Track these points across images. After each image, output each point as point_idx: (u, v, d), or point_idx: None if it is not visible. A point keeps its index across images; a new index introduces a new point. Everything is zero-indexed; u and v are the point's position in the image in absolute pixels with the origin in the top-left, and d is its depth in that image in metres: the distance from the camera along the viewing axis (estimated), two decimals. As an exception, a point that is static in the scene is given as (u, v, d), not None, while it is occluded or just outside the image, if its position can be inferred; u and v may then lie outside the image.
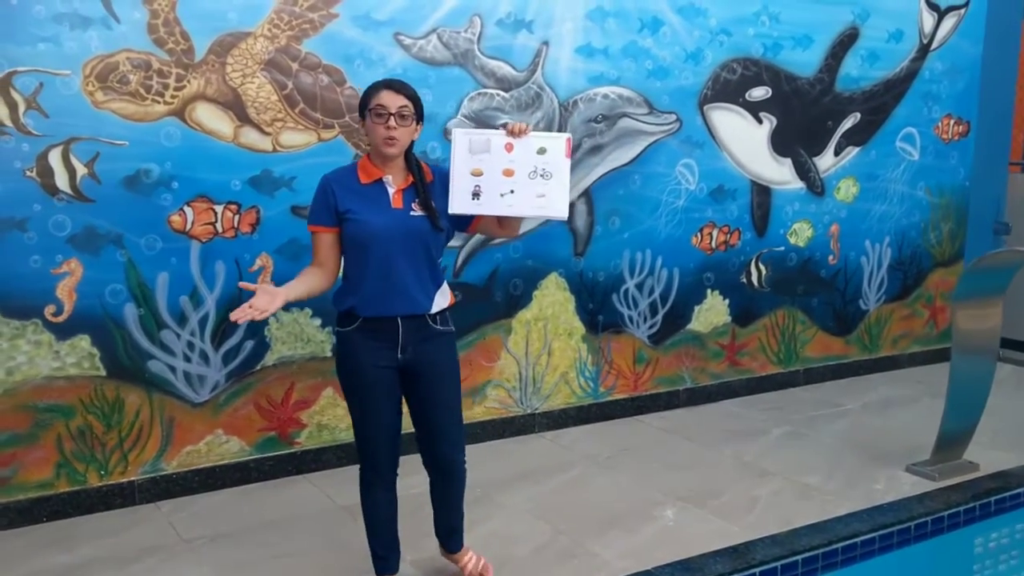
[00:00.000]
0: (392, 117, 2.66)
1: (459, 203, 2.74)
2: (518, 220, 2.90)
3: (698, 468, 4.22)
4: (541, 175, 2.75)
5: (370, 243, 2.70)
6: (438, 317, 2.85)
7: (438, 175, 2.84)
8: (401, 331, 2.76)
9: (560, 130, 4.59)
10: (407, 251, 2.72)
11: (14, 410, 3.51)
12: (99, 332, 3.62)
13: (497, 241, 4.40)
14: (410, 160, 2.79)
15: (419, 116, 2.76)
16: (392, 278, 2.71)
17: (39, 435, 3.56)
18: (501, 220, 2.86)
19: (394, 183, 2.75)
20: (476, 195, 2.73)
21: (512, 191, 2.74)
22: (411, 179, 2.77)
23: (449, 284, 2.97)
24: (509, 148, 2.74)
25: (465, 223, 2.89)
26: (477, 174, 2.73)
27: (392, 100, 2.67)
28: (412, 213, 2.73)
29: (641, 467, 4.23)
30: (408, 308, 2.75)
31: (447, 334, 2.90)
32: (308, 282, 2.78)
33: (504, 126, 2.77)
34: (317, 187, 2.78)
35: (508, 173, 2.74)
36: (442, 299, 2.86)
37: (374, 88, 2.72)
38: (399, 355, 2.78)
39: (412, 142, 2.77)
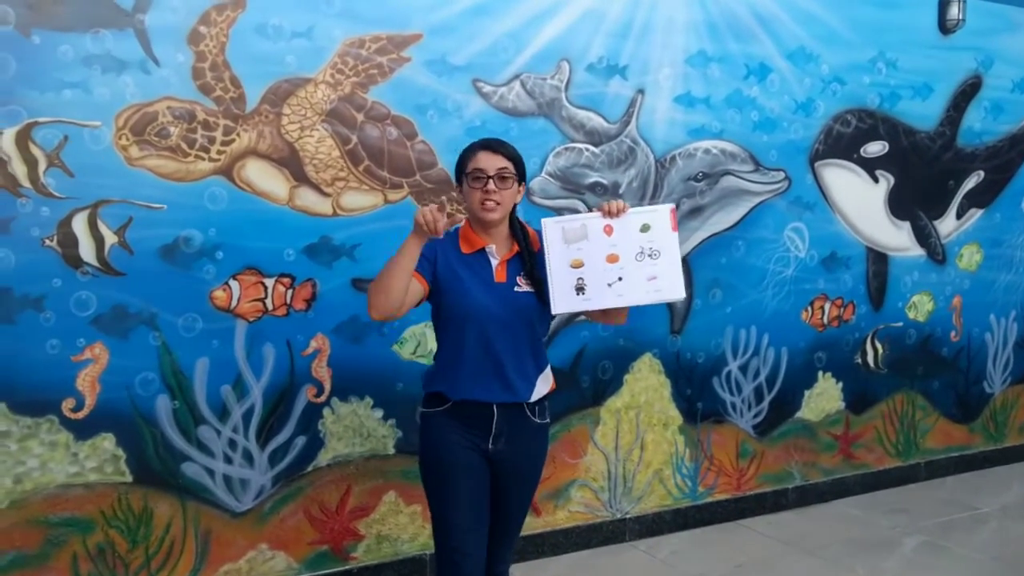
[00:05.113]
0: (491, 180, 2.45)
1: (563, 301, 2.47)
2: (626, 308, 2.60)
3: (834, 596, 3.51)
4: (649, 255, 2.49)
5: (468, 321, 2.46)
6: (536, 407, 2.57)
7: None
8: (496, 419, 2.48)
9: (656, 190, 4.01)
10: (509, 331, 2.48)
11: (22, 525, 2.93)
12: (126, 430, 3.06)
13: (583, 318, 3.77)
14: (515, 226, 2.57)
15: (521, 176, 2.54)
16: (491, 361, 2.47)
17: (51, 555, 2.98)
18: (607, 310, 2.57)
19: (498, 253, 2.52)
20: (581, 289, 2.47)
21: (620, 278, 2.48)
22: (516, 248, 2.54)
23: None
24: (608, 231, 2.48)
25: None
26: (577, 265, 2.47)
27: (490, 162, 2.46)
28: (517, 289, 2.50)
29: (764, 593, 3.53)
30: (506, 395, 2.48)
31: (543, 428, 2.62)
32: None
33: (600, 207, 2.51)
34: None
35: (612, 259, 2.48)
36: (543, 385, 2.58)
37: (470, 150, 2.52)
38: (490, 445, 2.50)
39: (515, 206, 2.56)
